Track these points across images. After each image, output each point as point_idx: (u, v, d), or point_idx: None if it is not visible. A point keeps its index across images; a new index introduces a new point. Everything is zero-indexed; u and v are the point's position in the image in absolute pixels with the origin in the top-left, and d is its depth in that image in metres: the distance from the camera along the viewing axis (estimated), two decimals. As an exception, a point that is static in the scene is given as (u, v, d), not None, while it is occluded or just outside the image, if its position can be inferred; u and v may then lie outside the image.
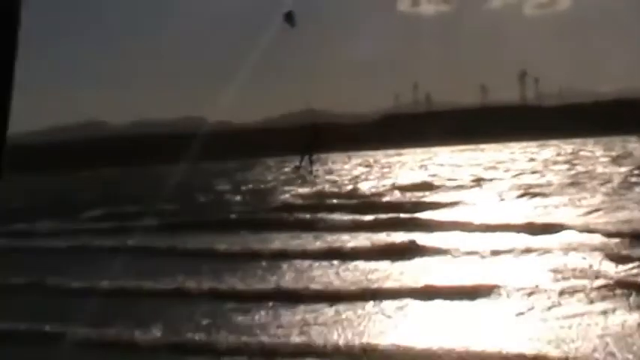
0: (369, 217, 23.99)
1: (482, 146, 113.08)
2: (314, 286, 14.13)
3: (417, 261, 16.27)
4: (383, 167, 65.48)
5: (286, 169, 65.29)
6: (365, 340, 10.36)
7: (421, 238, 18.81)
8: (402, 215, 24.13)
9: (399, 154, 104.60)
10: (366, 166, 70.54)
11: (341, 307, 12.31)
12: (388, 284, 13.96)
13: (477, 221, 21.19)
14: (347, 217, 24.80)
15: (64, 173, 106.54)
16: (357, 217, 24.49)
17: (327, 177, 51.80)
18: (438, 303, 12.20)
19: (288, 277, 15.45)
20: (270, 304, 12.78)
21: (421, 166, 61.36)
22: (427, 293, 12.70)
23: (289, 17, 35.85)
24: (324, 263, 16.56)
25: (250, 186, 46.77)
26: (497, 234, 18.99)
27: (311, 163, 57.62)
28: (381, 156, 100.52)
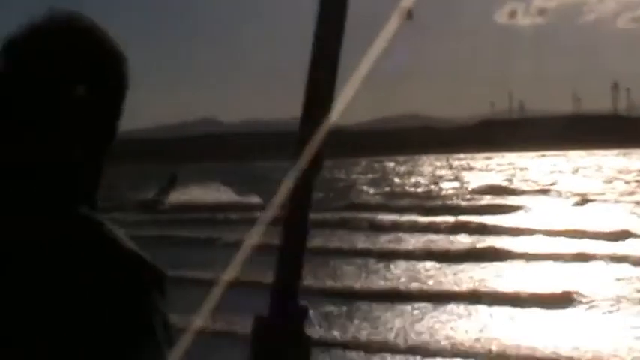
0: (449, 219, 23.35)
1: (569, 153, 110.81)
2: (414, 286, 13.68)
3: (499, 265, 15.72)
4: (474, 170, 64.73)
5: (383, 170, 64.99)
6: (489, 340, 9.98)
7: (503, 242, 18.26)
8: (484, 218, 23.53)
9: (489, 158, 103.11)
10: (462, 169, 69.80)
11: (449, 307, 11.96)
12: (482, 288, 13.36)
13: (557, 226, 20.42)
14: (429, 219, 24.37)
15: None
16: (438, 218, 23.98)
17: (417, 179, 51.43)
18: (524, 310, 11.65)
19: (395, 276, 15.09)
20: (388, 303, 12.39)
21: (507, 171, 60.29)
22: (515, 299, 12.21)
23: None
24: (422, 264, 16.10)
25: (341, 185, 46.78)
26: (578, 240, 18.26)
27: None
28: (474, 159, 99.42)
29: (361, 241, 20.11)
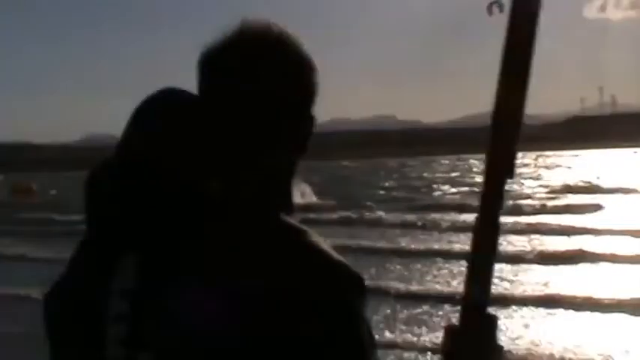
0: (532, 220, 22.66)
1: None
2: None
3: (586, 267, 15.12)
4: (560, 167, 63.57)
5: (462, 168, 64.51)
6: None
7: (588, 243, 17.58)
8: (569, 217, 22.85)
9: (576, 156, 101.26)
10: (547, 166, 68.68)
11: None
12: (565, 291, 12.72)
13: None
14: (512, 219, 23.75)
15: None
16: (522, 219, 23.36)
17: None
18: (614, 315, 11.08)
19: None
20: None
21: (593, 168, 59.05)
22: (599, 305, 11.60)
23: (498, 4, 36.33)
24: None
25: (422, 183, 46.46)
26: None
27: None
28: (563, 156, 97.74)
29: (441, 243, 19.45)
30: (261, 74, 1.34)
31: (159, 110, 1.39)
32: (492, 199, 1.33)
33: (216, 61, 1.36)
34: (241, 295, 1.22)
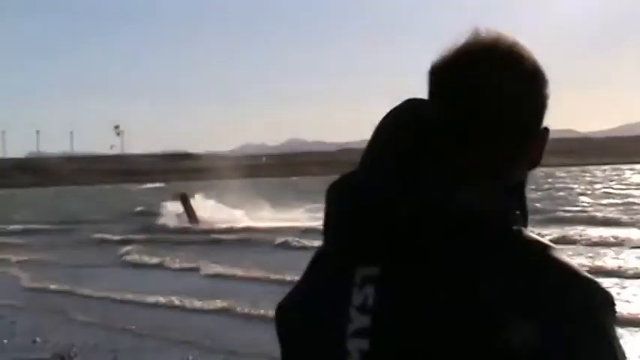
0: None
1: None
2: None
3: None
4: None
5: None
6: None
7: None
8: None
9: None
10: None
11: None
12: None
13: None
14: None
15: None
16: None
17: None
18: None
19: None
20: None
21: None
22: None
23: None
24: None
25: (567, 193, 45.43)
26: None
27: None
28: None
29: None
30: (501, 86, 1.33)
31: (403, 125, 1.37)
32: None
33: (451, 73, 1.35)
34: (488, 310, 1.20)
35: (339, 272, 1.35)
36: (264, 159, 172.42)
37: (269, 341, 12.65)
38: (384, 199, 1.29)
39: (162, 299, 17.03)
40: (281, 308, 1.50)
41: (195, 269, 22.12)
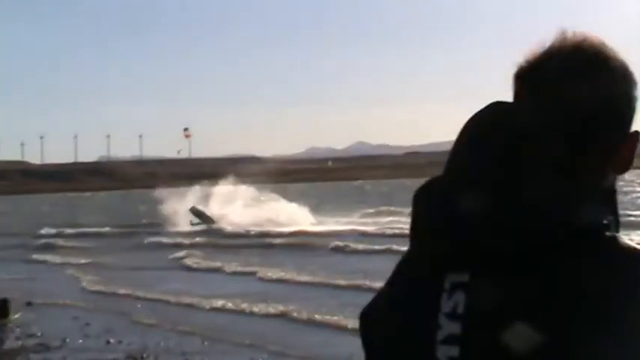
0: None
1: None
2: None
3: None
4: None
5: None
6: None
7: None
8: None
9: None
10: None
11: None
12: None
13: None
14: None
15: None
16: None
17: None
18: None
19: None
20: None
21: None
22: None
23: None
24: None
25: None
26: None
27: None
28: None
29: None
30: (594, 89, 1.30)
31: (495, 130, 1.33)
32: None
33: (541, 76, 1.32)
34: (593, 320, 1.18)
35: (428, 278, 1.32)
36: (329, 163, 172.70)
37: (337, 344, 12.74)
38: (482, 207, 1.26)
39: (221, 302, 17.34)
40: (365, 315, 1.46)
41: (252, 273, 22.43)
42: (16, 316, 17.22)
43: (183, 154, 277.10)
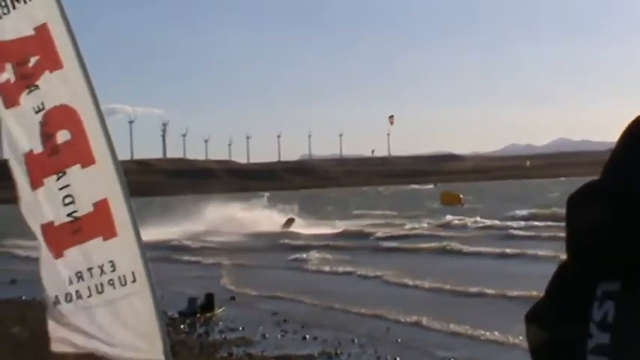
0: None
1: None
2: None
3: None
4: None
5: None
6: None
7: None
8: None
9: None
10: None
11: None
12: None
13: None
14: None
15: None
16: None
17: None
18: None
19: None
20: None
21: None
22: None
23: None
24: None
25: None
26: None
27: None
28: None
29: None
30: None
31: None
32: None
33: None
34: None
35: (581, 285, 1.28)
36: (528, 163, 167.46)
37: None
38: (623, 213, 1.21)
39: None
40: (527, 317, 1.42)
41: (378, 277, 22.90)
42: (220, 310, 18.21)
43: (382, 153, 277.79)
